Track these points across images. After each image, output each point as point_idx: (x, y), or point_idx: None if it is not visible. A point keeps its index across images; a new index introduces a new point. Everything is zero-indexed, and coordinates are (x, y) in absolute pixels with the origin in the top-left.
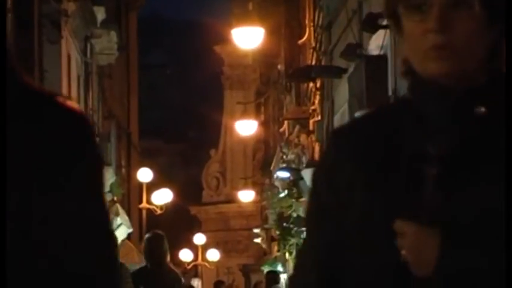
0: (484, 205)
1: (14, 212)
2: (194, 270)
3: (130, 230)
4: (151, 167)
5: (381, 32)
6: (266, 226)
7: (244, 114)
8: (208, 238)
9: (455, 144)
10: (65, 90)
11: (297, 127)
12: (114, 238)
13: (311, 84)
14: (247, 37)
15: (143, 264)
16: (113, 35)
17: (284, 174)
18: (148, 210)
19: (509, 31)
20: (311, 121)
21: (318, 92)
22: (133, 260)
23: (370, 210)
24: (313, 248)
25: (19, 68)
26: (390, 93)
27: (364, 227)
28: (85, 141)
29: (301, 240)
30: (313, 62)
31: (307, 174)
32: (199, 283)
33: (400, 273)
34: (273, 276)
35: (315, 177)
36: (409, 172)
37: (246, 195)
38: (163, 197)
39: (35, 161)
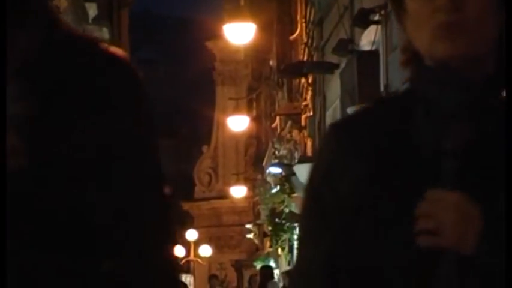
0: (501, 199)
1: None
2: (186, 266)
3: None
4: None
5: (372, 28)
6: (258, 222)
7: (236, 110)
8: (200, 234)
9: (473, 137)
10: None
11: (289, 123)
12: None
13: (303, 80)
14: (239, 33)
15: None
16: (105, 31)
17: (276, 170)
18: None
19: (509, 30)
20: (303, 117)
21: (310, 88)
22: None
23: (383, 207)
24: (316, 255)
25: (61, 19)
26: (382, 88)
27: (378, 224)
28: (132, 95)
29: (294, 236)
30: (305, 58)
31: (299, 169)
32: (192, 279)
33: (426, 262)
34: (268, 271)
35: (312, 179)
36: (424, 166)
37: (238, 191)
38: None
39: (78, 112)
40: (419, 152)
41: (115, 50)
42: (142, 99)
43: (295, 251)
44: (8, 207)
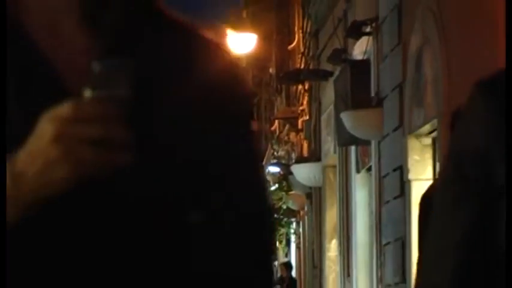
0: None
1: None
2: None
3: None
4: None
5: (364, 39)
6: None
7: None
8: None
9: None
10: None
11: (287, 126)
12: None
13: (300, 87)
14: (241, 42)
15: None
16: None
17: (275, 169)
18: None
19: (510, 31)
20: (300, 120)
21: (306, 94)
22: None
23: None
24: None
25: None
26: (373, 94)
27: None
28: (237, 94)
29: (290, 230)
30: (302, 66)
31: (296, 169)
32: None
33: None
34: None
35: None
36: None
37: None
38: None
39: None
40: None
41: (224, 45)
42: (251, 112)
43: (292, 245)
44: (114, 208)
